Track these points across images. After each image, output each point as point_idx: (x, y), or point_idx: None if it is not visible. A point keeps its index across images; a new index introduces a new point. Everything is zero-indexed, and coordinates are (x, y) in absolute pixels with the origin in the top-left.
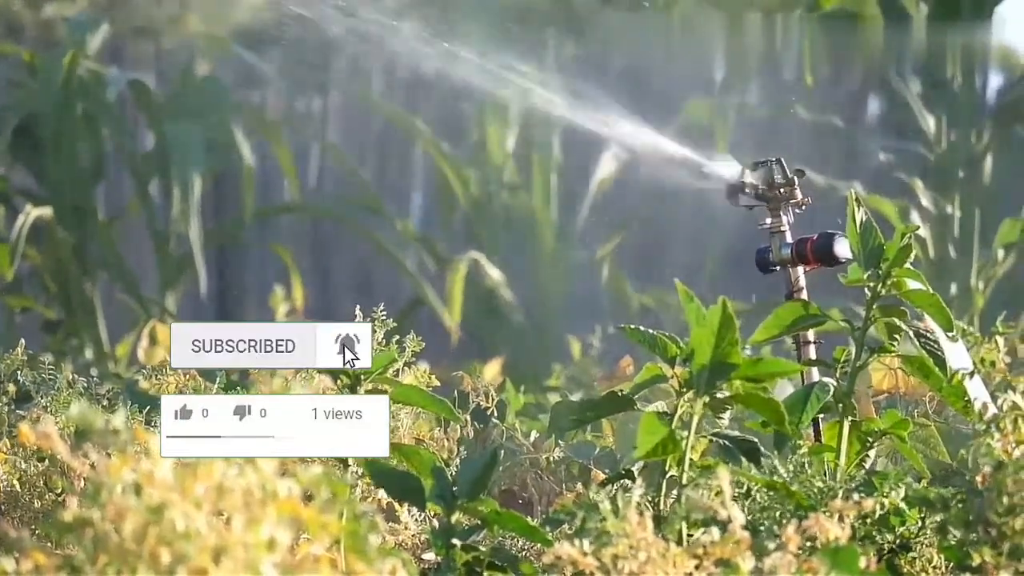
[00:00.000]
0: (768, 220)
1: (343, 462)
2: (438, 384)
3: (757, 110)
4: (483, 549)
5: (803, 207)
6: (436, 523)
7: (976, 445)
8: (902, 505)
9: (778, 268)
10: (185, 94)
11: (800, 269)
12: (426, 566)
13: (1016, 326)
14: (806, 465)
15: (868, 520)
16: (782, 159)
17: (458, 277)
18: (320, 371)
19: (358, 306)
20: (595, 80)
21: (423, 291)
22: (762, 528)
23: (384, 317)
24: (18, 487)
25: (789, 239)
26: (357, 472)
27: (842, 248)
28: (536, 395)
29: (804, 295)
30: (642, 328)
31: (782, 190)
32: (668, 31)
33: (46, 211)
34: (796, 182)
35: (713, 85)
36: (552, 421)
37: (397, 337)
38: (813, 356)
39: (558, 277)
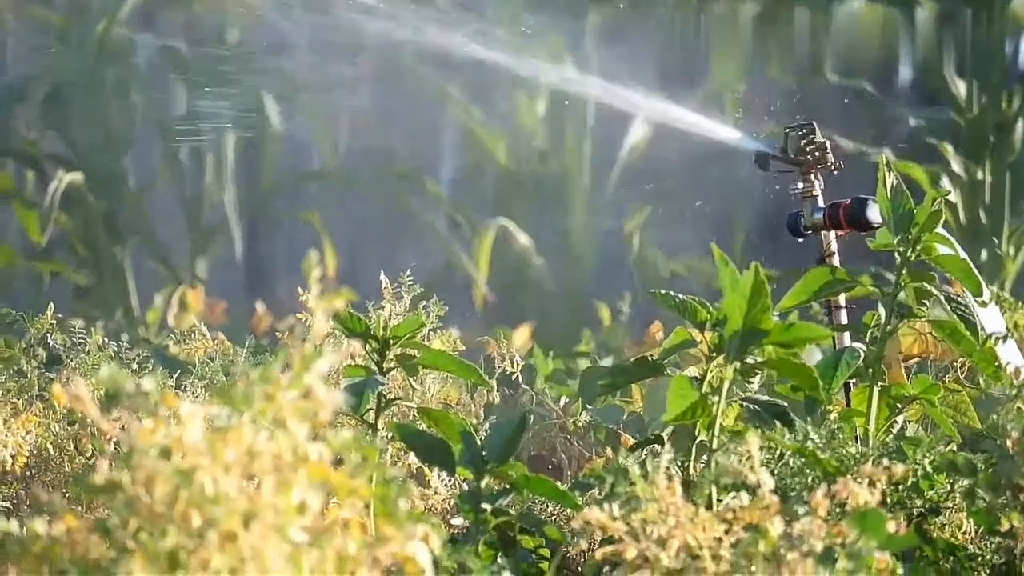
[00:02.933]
0: (800, 184)
1: (372, 426)
2: (463, 348)
3: (785, 76)
4: (512, 513)
5: (835, 171)
6: (465, 487)
7: (1006, 410)
8: (931, 470)
9: (810, 232)
10: (216, 60)
11: (832, 234)
12: (455, 531)
13: None
14: (837, 430)
15: (899, 486)
16: (814, 123)
17: (486, 242)
18: (349, 335)
19: (382, 271)
20: (624, 48)
21: (454, 254)
22: (792, 493)
23: (411, 282)
24: (51, 450)
25: (821, 203)
26: (387, 436)
27: (875, 213)
28: (565, 360)
29: (836, 260)
30: (672, 293)
31: (814, 154)
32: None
33: (77, 177)
34: (828, 146)
35: (740, 52)
36: (582, 386)
37: (423, 303)
38: (844, 321)
39: (588, 243)
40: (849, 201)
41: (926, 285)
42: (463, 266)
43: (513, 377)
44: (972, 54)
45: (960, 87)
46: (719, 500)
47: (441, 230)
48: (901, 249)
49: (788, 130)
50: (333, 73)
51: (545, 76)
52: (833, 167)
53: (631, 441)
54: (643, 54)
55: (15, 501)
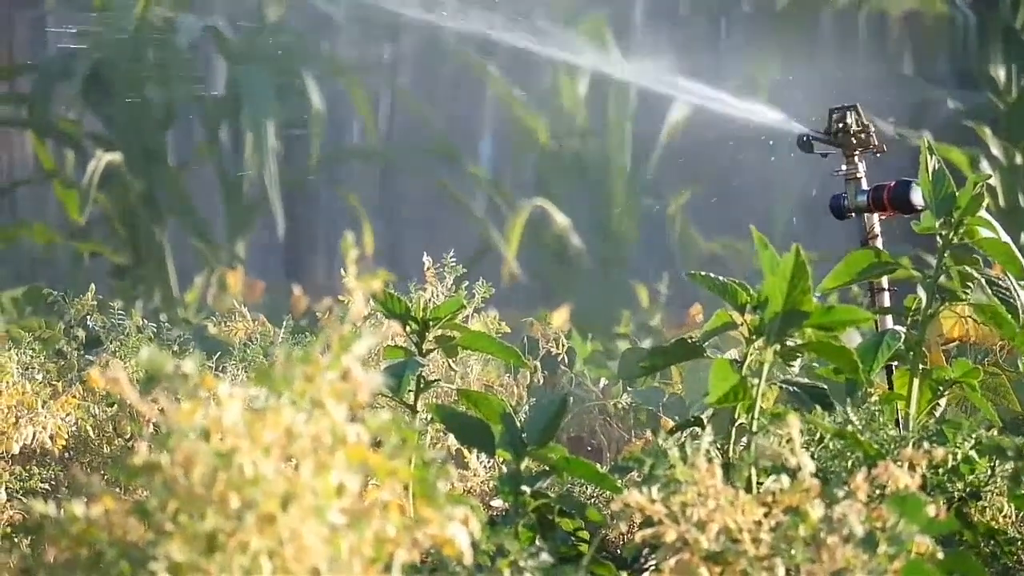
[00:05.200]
0: (844, 167)
1: (411, 408)
2: (508, 331)
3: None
4: (552, 496)
5: (878, 154)
6: (505, 469)
7: None
8: (972, 454)
9: (853, 215)
10: (256, 40)
11: (875, 216)
12: (494, 513)
13: None
14: (877, 413)
15: (940, 470)
16: (858, 105)
17: (519, 220)
18: (388, 316)
19: (425, 252)
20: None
21: (491, 235)
22: (832, 476)
23: (453, 263)
24: (91, 432)
25: (865, 186)
26: (426, 418)
27: (919, 196)
28: (604, 342)
29: (879, 242)
30: (712, 275)
31: (858, 137)
32: None
33: (116, 156)
34: (872, 129)
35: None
36: (621, 368)
37: (466, 283)
38: (887, 304)
39: (628, 223)
40: (893, 183)
41: (968, 268)
42: (497, 246)
43: (559, 358)
44: (1012, 37)
45: (999, 70)
46: (759, 483)
47: (478, 210)
48: (943, 232)
49: (833, 111)
50: (373, 52)
51: (586, 60)
52: (876, 150)
53: (671, 423)
54: (682, 41)
55: (54, 483)
